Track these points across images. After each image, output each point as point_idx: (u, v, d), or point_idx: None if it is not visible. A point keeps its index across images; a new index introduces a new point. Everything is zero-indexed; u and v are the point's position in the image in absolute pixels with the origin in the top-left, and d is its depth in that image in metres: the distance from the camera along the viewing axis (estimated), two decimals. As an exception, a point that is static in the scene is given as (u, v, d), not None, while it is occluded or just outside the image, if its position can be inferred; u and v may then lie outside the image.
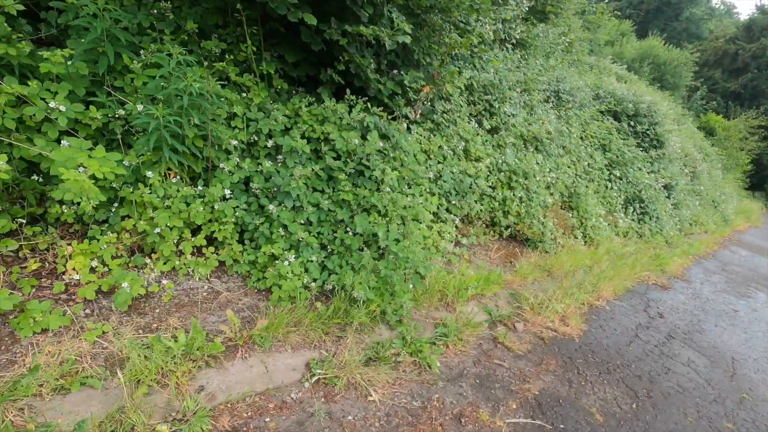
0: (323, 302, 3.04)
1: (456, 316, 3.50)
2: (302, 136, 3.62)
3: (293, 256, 2.99)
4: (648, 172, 9.18)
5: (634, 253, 6.55)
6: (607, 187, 7.81)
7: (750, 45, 32.17)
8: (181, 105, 2.66)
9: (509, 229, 5.61)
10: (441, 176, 4.60)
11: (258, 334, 2.50)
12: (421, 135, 4.82)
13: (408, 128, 4.86)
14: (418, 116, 4.66)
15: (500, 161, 5.52)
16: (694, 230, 10.40)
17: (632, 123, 9.77)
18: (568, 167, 7.00)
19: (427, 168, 4.45)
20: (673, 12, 41.99)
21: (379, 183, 3.68)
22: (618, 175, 8.23)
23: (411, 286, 3.24)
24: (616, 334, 4.15)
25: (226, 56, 3.47)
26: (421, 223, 4.18)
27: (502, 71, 6.65)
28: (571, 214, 6.65)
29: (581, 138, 8.14)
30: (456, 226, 5.02)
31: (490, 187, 5.46)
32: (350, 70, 4.10)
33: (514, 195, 5.48)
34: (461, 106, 5.45)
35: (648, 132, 9.84)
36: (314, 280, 3.08)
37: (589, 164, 7.62)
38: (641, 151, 9.56)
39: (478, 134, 5.43)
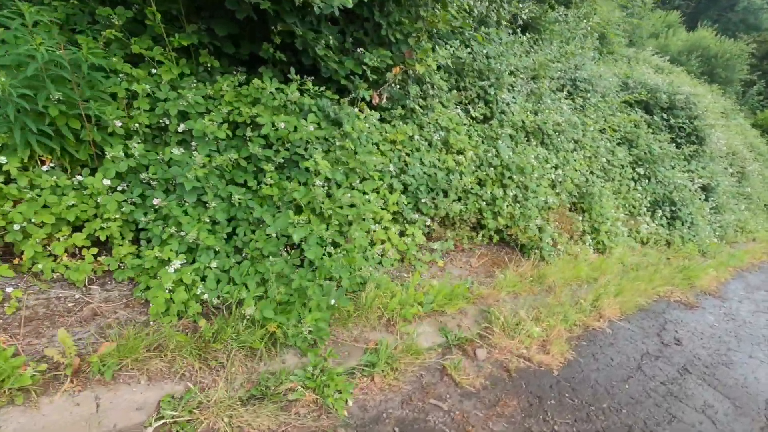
0: (210, 320, 2.46)
1: (396, 338, 2.83)
2: (227, 120, 3.07)
3: (180, 261, 2.44)
4: (682, 171, 8.01)
5: (654, 264, 5.56)
6: (630, 187, 6.79)
7: (817, 34, 28.83)
8: (32, 74, 2.17)
9: (500, 233, 4.84)
10: (407, 170, 3.92)
11: (98, 360, 1.96)
12: (387, 122, 4.17)
13: (381, 117, 4.22)
14: (383, 101, 4.00)
15: (491, 155, 4.76)
16: (739, 238, 9.04)
17: (666, 116, 8.59)
18: (581, 164, 6.09)
19: (389, 160, 3.79)
20: (728, 2, 38.61)
21: (314, 176, 3.07)
22: (644, 173, 7.17)
23: (332, 301, 2.61)
24: (612, 365, 3.33)
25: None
26: (378, 223, 3.53)
27: (505, 55, 5.85)
28: (581, 218, 5.75)
29: (602, 131, 7.16)
30: (430, 228, 4.32)
31: (477, 183, 4.72)
32: (296, 46, 3.52)
33: (506, 194, 4.71)
34: (444, 90, 4.73)
35: (684, 126, 8.62)
36: (211, 291, 2.52)
37: (608, 161, 6.65)
38: (676, 147, 8.39)
39: (462, 123, 4.69)
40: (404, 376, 2.58)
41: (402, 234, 3.85)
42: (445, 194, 4.27)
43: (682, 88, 9.49)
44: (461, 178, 4.35)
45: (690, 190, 7.70)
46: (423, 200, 3.98)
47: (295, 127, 3.09)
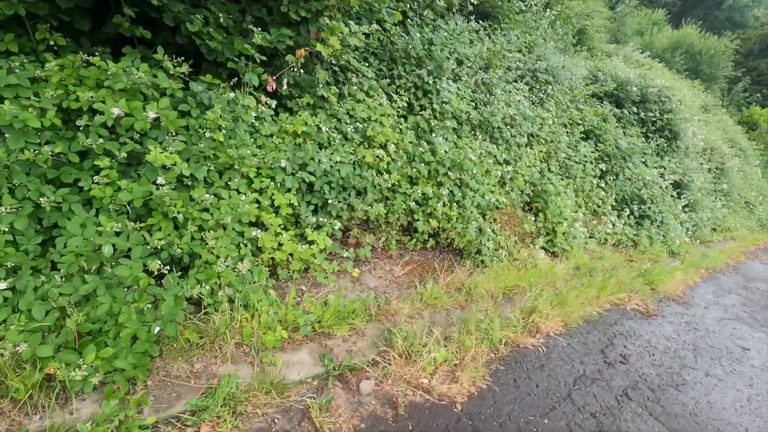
0: None
1: (257, 371, 2.28)
2: (58, 106, 2.52)
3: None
4: (654, 167, 7.51)
5: (611, 269, 5.03)
6: (594, 184, 6.26)
7: (802, 31, 28.50)
8: None
9: (436, 237, 4.30)
10: (306, 165, 3.36)
11: None
12: (294, 112, 3.62)
13: (286, 106, 3.67)
14: (284, 87, 3.45)
15: (423, 149, 4.22)
16: (716, 237, 8.54)
17: (638, 110, 8.08)
18: (535, 159, 5.56)
19: (284, 154, 3.23)
20: (714, 0, 38.36)
21: (161, 171, 2.51)
22: (610, 169, 6.66)
23: (156, 329, 2.05)
24: (535, 394, 2.78)
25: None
26: (263, 228, 2.98)
27: (452, 41, 5.31)
28: (535, 218, 5.23)
29: (565, 125, 6.64)
30: (346, 233, 3.78)
31: (409, 181, 4.18)
32: (165, 22, 2.96)
33: (440, 192, 4.16)
34: (369, 77, 4.19)
35: (656, 120, 8.11)
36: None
37: (569, 156, 6.12)
38: (646, 142, 7.89)
39: (387, 114, 4.14)
40: (248, 423, 2.03)
41: (304, 240, 3.30)
42: (361, 194, 3.72)
43: (654, 80, 8.99)
44: (384, 176, 3.81)
45: (661, 187, 7.20)
46: (331, 201, 3.43)
47: (140, 114, 2.54)
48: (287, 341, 2.50)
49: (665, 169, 7.81)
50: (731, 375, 3.58)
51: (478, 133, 4.97)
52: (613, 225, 6.24)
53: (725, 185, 10.40)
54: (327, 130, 3.56)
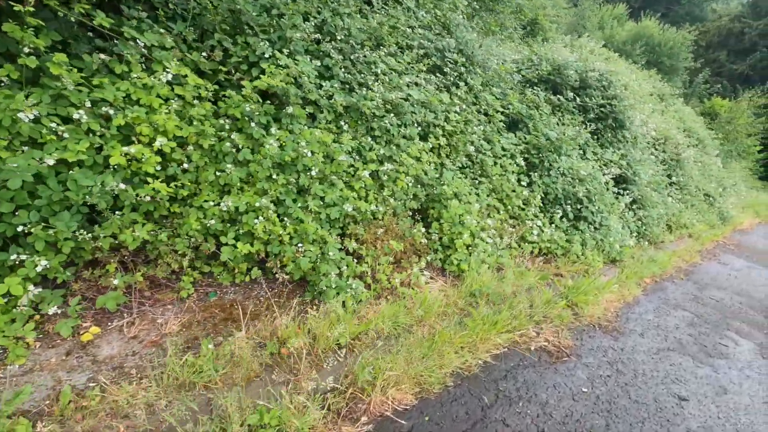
0: None
1: None
2: None
3: None
4: (594, 161, 6.43)
5: (521, 292, 3.86)
6: (514, 183, 5.11)
7: (757, 22, 28.35)
8: None
9: (262, 265, 3.07)
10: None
11: None
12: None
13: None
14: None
15: (233, 146, 2.98)
16: (668, 237, 7.49)
17: (575, 96, 7.00)
18: (432, 155, 4.39)
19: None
20: (674, -6, 38.38)
21: None
22: (537, 164, 5.53)
23: None
24: None
25: None
26: None
27: (302, 5, 4.07)
28: (427, 230, 4.05)
29: (486, 114, 5.49)
30: (77, 272, 2.51)
31: (219, 191, 2.93)
32: None
33: (265, 203, 2.93)
34: (157, 46, 2.92)
35: (596, 107, 7.05)
36: None
37: (481, 150, 4.96)
38: (586, 132, 6.81)
39: (163, 101, 2.86)
40: None
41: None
42: (102, 213, 2.45)
43: (595, 64, 7.95)
44: (155, 183, 2.55)
45: (600, 183, 6.09)
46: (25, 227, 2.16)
47: None
48: None
49: (609, 161, 6.74)
50: (655, 456, 2.42)
51: (344, 123, 3.75)
52: (541, 230, 5.10)
53: (681, 177, 9.44)
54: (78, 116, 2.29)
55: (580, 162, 5.88)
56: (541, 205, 5.41)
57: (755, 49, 27.88)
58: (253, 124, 3.04)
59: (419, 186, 4.11)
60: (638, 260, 5.83)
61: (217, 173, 2.87)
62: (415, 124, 4.30)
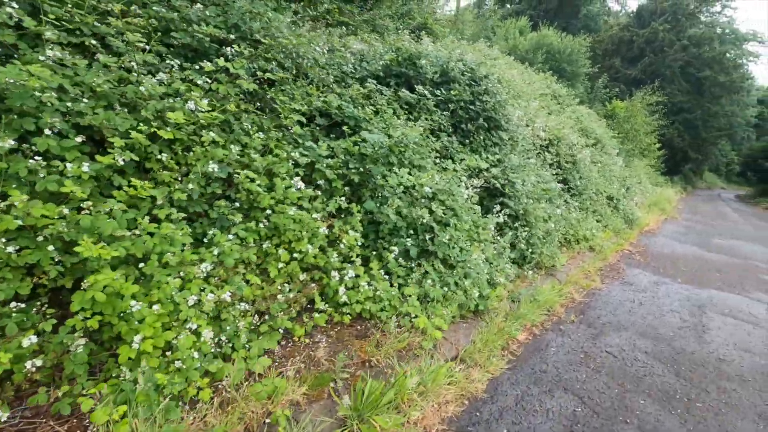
0: None
1: None
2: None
3: None
4: (452, 170, 4.74)
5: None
6: (328, 212, 3.21)
7: (642, 31, 30.10)
8: None
9: None
10: None
11: None
12: None
13: None
14: None
15: None
16: (560, 259, 5.91)
17: (440, 92, 5.35)
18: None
19: None
20: (572, 10, 40.57)
21: None
22: (358, 185, 3.70)
23: None
24: None
25: None
26: None
27: None
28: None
29: (279, 116, 3.57)
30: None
31: None
32: None
33: None
34: None
35: (466, 105, 5.45)
36: None
37: (261, 170, 3.02)
38: (444, 134, 5.16)
39: None
40: None
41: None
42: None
43: (465, 55, 6.46)
44: None
45: (460, 200, 4.39)
46: None
47: None
48: None
49: (478, 169, 5.13)
50: None
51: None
52: (354, 287, 3.21)
53: (579, 182, 8.21)
54: None
55: (428, 176, 4.11)
56: (363, 241, 3.56)
57: (644, 55, 29.42)
58: None
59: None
60: (515, 302, 4.14)
61: None
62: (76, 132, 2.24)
